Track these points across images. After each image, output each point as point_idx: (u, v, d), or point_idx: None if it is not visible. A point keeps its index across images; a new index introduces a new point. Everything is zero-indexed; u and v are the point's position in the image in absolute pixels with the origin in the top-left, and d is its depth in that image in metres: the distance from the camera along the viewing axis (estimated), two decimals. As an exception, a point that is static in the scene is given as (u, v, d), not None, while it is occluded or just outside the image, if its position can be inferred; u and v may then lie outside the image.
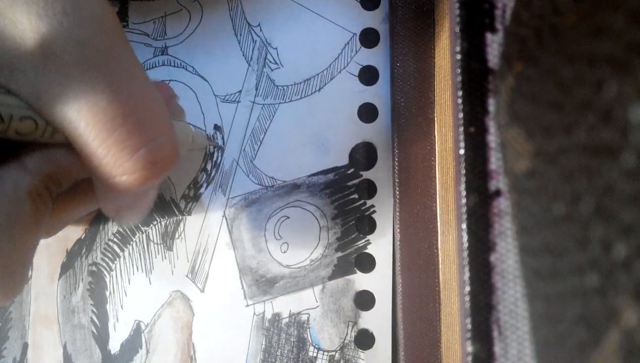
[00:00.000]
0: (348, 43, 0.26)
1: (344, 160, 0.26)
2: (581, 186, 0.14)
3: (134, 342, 0.29)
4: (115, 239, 0.30)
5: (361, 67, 0.26)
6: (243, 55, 0.28)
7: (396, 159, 0.25)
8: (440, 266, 0.24)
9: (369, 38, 0.26)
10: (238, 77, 0.28)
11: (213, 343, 0.28)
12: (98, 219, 0.31)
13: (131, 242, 0.30)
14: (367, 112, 0.26)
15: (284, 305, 0.26)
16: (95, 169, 0.17)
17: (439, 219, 0.24)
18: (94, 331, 0.30)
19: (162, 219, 0.29)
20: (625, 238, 0.13)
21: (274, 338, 0.26)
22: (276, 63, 0.27)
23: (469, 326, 0.17)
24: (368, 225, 0.26)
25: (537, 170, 0.16)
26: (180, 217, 0.29)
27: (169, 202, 0.29)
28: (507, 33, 0.17)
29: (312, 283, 0.26)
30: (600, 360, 0.13)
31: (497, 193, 0.17)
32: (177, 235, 0.29)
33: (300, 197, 0.27)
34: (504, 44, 0.17)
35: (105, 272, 0.30)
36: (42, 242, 0.32)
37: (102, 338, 0.30)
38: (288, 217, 0.27)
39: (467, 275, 0.17)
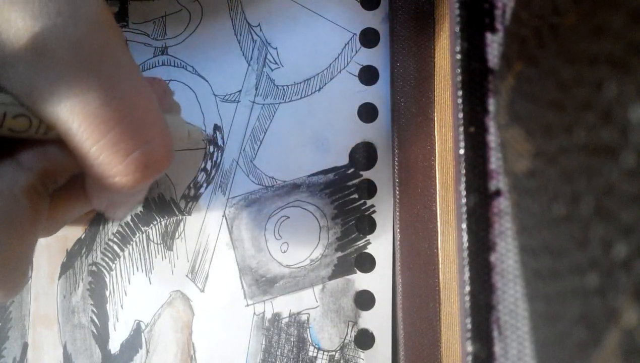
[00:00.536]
0: (348, 43, 0.26)
1: (344, 160, 0.26)
2: (581, 186, 0.14)
3: (134, 342, 0.29)
4: (115, 239, 0.30)
5: (361, 67, 0.26)
6: (243, 55, 0.28)
7: (396, 159, 0.25)
8: (440, 266, 0.24)
9: (369, 38, 0.26)
10: (238, 77, 0.28)
11: (213, 343, 0.28)
12: (98, 219, 0.31)
13: (131, 242, 0.30)
14: (367, 112, 0.26)
15: (284, 305, 0.26)
16: (88, 168, 0.17)
17: (439, 219, 0.24)
18: (94, 331, 0.30)
19: (162, 219, 0.29)
20: (625, 238, 0.13)
21: (274, 338, 0.26)
22: (276, 63, 0.27)
23: (469, 326, 0.17)
24: (368, 225, 0.26)
25: (537, 170, 0.16)
26: (180, 217, 0.29)
27: (169, 202, 0.29)
28: (507, 33, 0.17)
29: (312, 283, 0.26)
30: (600, 360, 0.13)
31: (497, 193, 0.17)
32: (177, 235, 0.29)
33: (300, 197, 0.27)
34: (504, 44, 0.17)
35: (105, 272, 0.30)
36: (42, 241, 0.32)
37: (102, 338, 0.30)
38: (288, 217, 0.27)
39: (467, 275, 0.17)
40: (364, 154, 0.26)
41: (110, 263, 0.30)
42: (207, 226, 0.28)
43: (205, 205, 0.28)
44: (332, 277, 0.26)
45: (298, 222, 0.27)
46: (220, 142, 0.28)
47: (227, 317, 0.27)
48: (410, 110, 0.25)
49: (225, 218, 0.28)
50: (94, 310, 0.30)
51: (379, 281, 0.25)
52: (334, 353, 0.25)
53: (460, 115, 0.17)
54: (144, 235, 0.29)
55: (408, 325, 0.24)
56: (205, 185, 0.28)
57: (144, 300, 0.29)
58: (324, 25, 0.27)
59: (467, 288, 0.17)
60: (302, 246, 0.26)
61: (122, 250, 0.30)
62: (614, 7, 0.14)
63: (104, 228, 0.31)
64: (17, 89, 0.16)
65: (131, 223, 0.30)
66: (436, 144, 0.25)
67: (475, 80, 0.17)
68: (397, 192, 0.25)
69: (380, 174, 0.26)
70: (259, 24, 0.28)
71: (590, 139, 0.14)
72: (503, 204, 0.17)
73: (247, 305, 0.27)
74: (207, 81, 0.29)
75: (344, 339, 0.25)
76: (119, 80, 0.17)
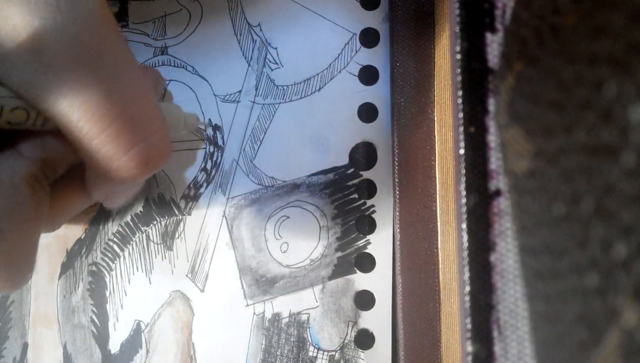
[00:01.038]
0: (348, 43, 0.26)
1: (344, 160, 0.26)
2: (581, 186, 0.14)
3: (134, 342, 0.29)
4: (115, 239, 0.30)
5: (361, 67, 0.26)
6: (243, 55, 0.28)
7: (396, 159, 0.25)
8: (440, 266, 0.24)
9: (369, 38, 0.26)
10: (238, 77, 0.28)
11: (213, 343, 0.28)
12: (98, 219, 0.31)
13: (131, 242, 0.30)
14: (367, 112, 0.26)
15: (284, 305, 0.26)
16: (88, 161, 0.17)
17: (439, 219, 0.24)
18: (94, 331, 0.30)
19: (162, 219, 0.29)
20: (625, 238, 0.13)
21: (274, 338, 0.26)
22: (276, 63, 0.27)
23: (469, 326, 0.17)
24: (368, 225, 0.26)
25: (537, 170, 0.16)
26: (180, 217, 0.29)
27: (169, 202, 0.29)
28: (507, 33, 0.17)
29: (312, 283, 0.26)
30: (600, 360, 0.13)
31: (497, 193, 0.17)
32: (177, 235, 0.29)
33: (300, 197, 0.27)
34: (504, 44, 0.17)
35: (105, 272, 0.30)
36: (42, 241, 0.32)
37: (102, 338, 0.30)
38: (288, 217, 0.27)
39: (467, 275, 0.17)
40: (364, 154, 0.26)
41: (110, 263, 0.30)
42: (207, 226, 0.28)
43: (205, 205, 0.28)
44: (332, 277, 0.26)
45: (298, 222, 0.27)
46: (220, 142, 0.28)
47: (227, 317, 0.27)
48: (410, 110, 0.25)
49: (225, 218, 0.28)
50: (94, 310, 0.30)
51: (379, 281, 0.25)
52: (334, 353, 0.25)
53: (460, 115, 0.17)
54: (144, 235, 0.29)
55: (408, 325, 0.24)
56: (205, 185, 0.28)
57: (144, 300, 0.29)
58: (324, 25, 0.27)
59: (467, 288, 0.17)
60: (302, 246, 0.26)
61: (122, 250, 0.30)
62: (614, 7, 0.14)
63: (104, 228, 0.31)
64: (16, 84, 0.16)
65: (131, 223, 0.30)
66: (436, 144, 0.25)
67: (475, 80, 0.17)
68: (397, 192, 0.25)
69: (380, 174, 0.26)
70: (259, 24, 0.28)
71: (590, 139, 0.14)
72: (503, 204, 0.17)
73: (247, 305, 0.27)
74: (207, 81, 0.29)
75: (344, 339, 0.25)
76: (118, 75, 0.17)
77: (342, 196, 0.26)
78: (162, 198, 0.29)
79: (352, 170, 0.26)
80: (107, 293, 0.30)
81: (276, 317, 0.27)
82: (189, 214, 0.29)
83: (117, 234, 0.30)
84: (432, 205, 0.25)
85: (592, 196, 0.14)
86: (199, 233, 0.28)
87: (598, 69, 0.14)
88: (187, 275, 0.28)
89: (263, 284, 0.27)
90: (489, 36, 0.17)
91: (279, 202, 0.27)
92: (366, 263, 0.26)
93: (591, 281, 0.14)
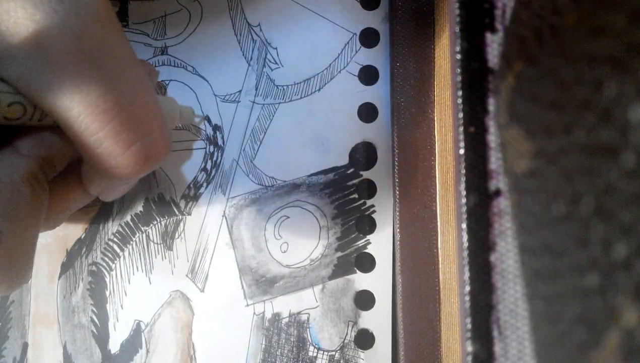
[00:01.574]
0: (348, 43, 0.26)
1: (344, 160, 0.26)
2: (581, 186, 0.14)
3: (134, 342, 0.29)
4: (115, 239, 0.30)
5: (361, 67, 0.26)
6: (243, 55, 0.28)
7: (396, 159, 0.25)
8: (440, 266, 0.24)
9: (369, 38, 0.26)
10: (238, 77, 0.28)
11: (213, 343, 0.28)
12: (98, 219, 0.31)
13: (131, 242, 0.30)
14: (367, 112, 0.26)
15: (284, 305, 0.26)
16: (87, 157, 0.17)
17: (439, 219, 0.24)
18: (94, 331, 0.30)
19: (162, 219, 0.29)
20: (625, 238, 0.13)
21: (274, 338, 0.26)
22: (276, 63, 0.27)
23: (469, 326, 0.17)
24: (368, 225, 0.26)
25: (537, 170, 0.16)
26: (180, 217, 0.29)
27: (169, 202, 0.29)
28: (507, 33, 0.17)
29: (312, 283, 0.26)
30: (600, 360, 0.13)
31: (497, 193, 0.17)
32: (177, 235, 0.29)
33: (300, 197, 0.27)
34: (504, 44, 0.17)
35: (105, 272, 0.30)
36: (42, 241, 0.32)
37: (102, 338, 0.30)
38: (288, 217, 0.27)
39: (467, 275, 0.17)
40: (364, 154, 0.26)
41: (110, 263, 0.30)
42: (207, 226, 0.28)
43: (205, 205, 0.28)
44: (332, 277, 0.26)
45: (298, 222, 0.27)
46: (220, 142, 0.28)
47: (227, 317, 0.27)
48: (410, 110, 0.25)
49: (225, 218, 0.28)
50: (94, 310, 0.30)
51: (379, 281, 0.25)
52: (334, 353, 0.25)
53: (460, 115, 0.17)
54: (144, 235, 0.29)
55: (408, 325, 0.24)
56: (205, 185, 0.28)
57: (144, 300, 0.29)
58: (324, 25, 0.27)
59: (467, 288, 0.17)
60: (302, 246, 0.26)
61: (122, 250, 0.30)
62: (614, 7, 0.14)
63: (104, 228, 0.31)
64: (15, 78, 0.16)
65: (131, 223, 0.30)
66: (436, 144, 0.25)
67: (475, 80, 0.17)
68: (397, 192, 0.25)
69: (380, 174, 0.26)
70: (259, 24, 0.28)
71: (590, 139, 0.14)
72: (503, 204, 0.17)
73: (247, 305, 0.27)
74: (207, 81, 0.29)
75: (344, 339, 0.25)
76: (119, 71, 0.17)
77: (342, 196, 0.26)
78: (162, 198, 0.29)
79: (352, 170, 0.26)
80: (107, 293, 0.30)
81: (276, 317, 0.27)
82: (189, 214, 0.29)
83: (117, 234, 0.30)
84: (432, 205, 0.25)
85: (592, 196, 0.14)
86: (199, 233, 0.28)
87: (598, 69, 0.14)
88: (187, 275, 0.28)
89: (263, 284, 0.27)
90: (489, 36, 0.17)
91: (279, 202, 0.27)
92: (366, 263, 0.26)
93: (591, 281, 0.14)
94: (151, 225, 0.29)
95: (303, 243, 0.26)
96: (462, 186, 0.17)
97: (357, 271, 0.26)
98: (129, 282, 0.30)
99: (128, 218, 0.30)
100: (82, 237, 0.31)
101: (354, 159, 0.26)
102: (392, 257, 0.25)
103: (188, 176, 0.29)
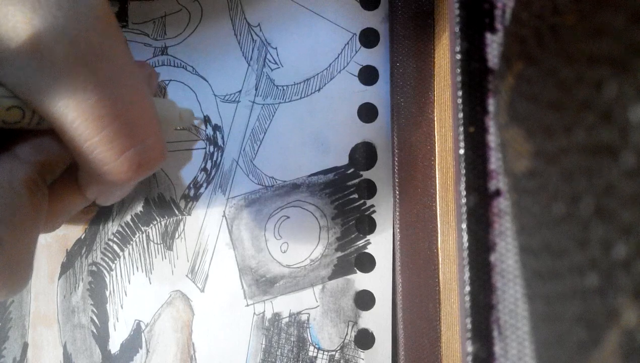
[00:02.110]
0: (348, 43, 0.26)
1: (344, 160, 0.26)
2: (581, 186, 0.14)
3: (134, 342, 0.29)
4: (115, 239, 0.30)
5: (361, 67, 0.26)
6: (243, 55, 0.28)
7: (396, 159, 0.25)
8: (440, 266, 0.24)
9: (368, 38, 0.26)
10: (238, 77, 0.28)
11: (213, 343, 0.28)
12: (98, 219, 0.31)
13: (131, 242, 0.30)
14: (367, 112, 0.26)
15: (284, 304, 0.26)
16: (82, 162, 0.17)
17: (439, 219, 0.24)
18: (94, 331, 0.30)
19: (162, 219, 0.29)
20: (625, 238, 0.13)
21: (274, 338, 0.26)
22: (276, 63, 0.27)
23: (469, 326, 0.17)
24: (368, 225, 0.26)
25: (537, 170, 0.16)
26: (180, 217, 0.29)
27: (169, 202, 0.29)
28: (507, 33, 0.17)
29: (312, 283, 0.26)
30: (600, 360, 0.13)
31: (497, 193, 0.17)
32: (177, 235, 0.29)
33: (300, 197, 0.27)
34: (503, 44, 0.17)
35: (105, 272, 0.30)
36: (42, 241, 0.32)
37: (102, 338, 0.30)
38: (288, 217, 0.27)
39: (467, 275, 0.17)
40: (364, 154, 0.26)
41: (110, 263, 0.30)
42: (207, 226, 0.28)
43: (205, 205, 0.28)
44: (332, 277, 0.26)
45: (298, 222, 0.27)
46: (220, 142, 0.28)
47: (227, 316, 0.27)
48: (410, 110, 0.25)
49: (225, 218, 0.28)
50: (94, 310, 0.30)
51: (378, 281, 0.25)
52: (334, 353, 0.25)
53: (460, 115, 0.17)
54: (144, 235, 0.29)
55: (408, 325, 0.24)
56: (205, 185, 0.28)
57: (144, 300, 0.29)
58: (324, 25, 0.27)
59: (467, 288, 0.17)
60: (302, 246, 0.26)
61: (122, 250, 0.30)
62: (614, 7, 0.14)
63: (103, 228, 0.31)
64: (13, 82, 0.16)
65: (131, 223, 0.30)
66: (436, 144, 0.25)
67: (475, 80, 0.17)
68: (397, 192, 0.25)
69: (380, 174, 0.26)
70: (258, 24, 0.28)
71: (590, 139, 0.14)
72: (503, 204, 0.17)
73: (247, 305, 0.27)
74: (207, 81, 0.29)
75: (344, 339, 0.25)
76: (116, 77, 0.17)
77: (342, 196, 0.26)
78: (162, 198, 0.29)
79: (352, 170, 0.26)
80: (107, 293, 0.30)
81: (276, 317, 0.27)
82: (189, 214, 0.29)
83: (117, 234, 0.30)
84: (432, 205, 0.25)
85: (592, 196, 0.14)
86: (198, 234, 0.28)
87: (598, 69, 0.14)
88: (187, 275, 0.28)
89: (263, 284, 0.27)
90: (488, 36, 0.17)
91: (279, 202, 0.27)
92: (366, 263, 0.26)
93: (591, 281, 0.14)
94: (151, 225, 0.29)
95: (303, 243, 0.26)
96: (462, 186, 0.17)
97: (357, 271, 0.26)
98: (129, 282, 0.30)
99: (128, 218, 0.30)
100: (82, 237, 0.31)
101: (354, 159, 0.26)
102: (392, 257, 0.25)
103: (188, 176, 0.29)
